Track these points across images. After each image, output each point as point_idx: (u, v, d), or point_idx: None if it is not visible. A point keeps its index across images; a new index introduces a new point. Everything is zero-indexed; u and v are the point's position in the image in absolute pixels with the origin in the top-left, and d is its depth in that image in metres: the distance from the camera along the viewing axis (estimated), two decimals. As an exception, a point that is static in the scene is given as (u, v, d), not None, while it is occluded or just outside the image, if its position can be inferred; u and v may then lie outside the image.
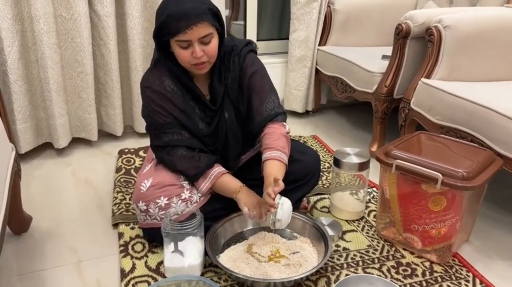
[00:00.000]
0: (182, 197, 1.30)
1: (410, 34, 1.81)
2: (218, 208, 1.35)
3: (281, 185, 1.18)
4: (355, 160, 1.50)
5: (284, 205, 1.21)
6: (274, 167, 1.23)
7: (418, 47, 1.85)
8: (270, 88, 1.36)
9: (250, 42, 1.37)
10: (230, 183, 1.32)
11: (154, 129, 1.32)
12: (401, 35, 1.82)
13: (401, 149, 1.36)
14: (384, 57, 2.04)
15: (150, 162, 1.39)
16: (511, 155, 1.35)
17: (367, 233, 1.48)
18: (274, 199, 1.18)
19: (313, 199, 1.68)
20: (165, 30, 1.17)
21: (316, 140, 2.23)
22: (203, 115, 1.34)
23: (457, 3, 2.15)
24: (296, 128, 2.43)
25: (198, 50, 1.18)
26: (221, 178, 1.31)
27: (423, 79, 1.72)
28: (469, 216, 1.37)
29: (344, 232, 1.48)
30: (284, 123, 1.35)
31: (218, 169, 1.32)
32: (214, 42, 1.22)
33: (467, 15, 1.73)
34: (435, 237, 1.32)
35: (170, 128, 1.29)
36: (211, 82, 1.33)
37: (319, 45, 2.43)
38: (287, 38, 2.47)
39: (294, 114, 2.58)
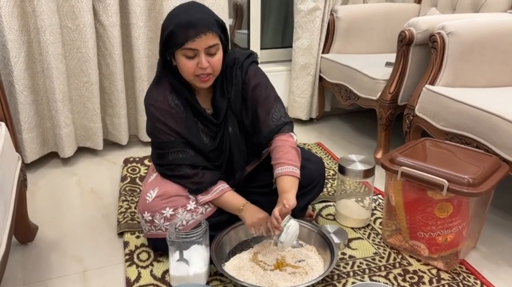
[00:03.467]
0: (188, 208, 1.30)
1: (414, 41, 1.81)
2: (224, 220, 1.35)
3: (291, 206, 1.19)
4: (360, 167, 1.49)
5: (290, 229, 1.21)
6: (288, 183, 1.23)
7: (421, 53, 1.85)
8: (275, 98, 1.35)
9: (251, 54, 1.37)
10: (234, 200, 1.32)
11: (159, 148, 1.33)
12: (405, 42, 1.82)
13: (406, 155, 1.36)
14: (387, 64, 2.04)
15: (155, 171, 1.39)
16: (517, 161, 1.35)
17: (373, 240, 1.48)
18: (280, 221, 1.19)
19: (318, 206, 1.67)
20: (173, 40, 1.18)
21: (320, 147, 2.23)
22: (207, 130, 1.34)
23: (460, 9, 2.15)
24: (301, 136, 2.43)
25: (204, 60, 1.19)
26: (224, 195, 1.31)
27: (427, 86, 1.72)
28: (476, 223, 1.36)
29: (350, 240, 1.47)
30: (292, 134, 1.34)
31: (221, 186, 1.32)
32: (219, 55, 1.23)
33: (470, 22, 1.73)
34: (442, 244, 1.31)
35: (174, 147, 1.30)
36: (213, 97, 1.33)
37: (323, 52, 2.43)
38: (291, 46, 2.48)
39: (298, 121, 2.58)
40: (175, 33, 1.17)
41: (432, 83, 1.72)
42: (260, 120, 1.33)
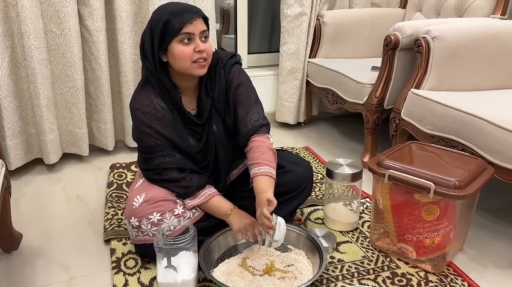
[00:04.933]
0: (175, 213, 1.29)
1: (399, 46, 1.83)
2: (212, 225, 1.34)
3: (275, 203, 1.19)
4: (348, 170, 1.50)
5: (281, 225, 1.21)
6: (265, 183, 1.23)
7: (407, 58, 1.87)
8: (255, 99, 1.37)
9: (234, 55, 1.39)
10: (221, 205, 1.32)
11: (145, 153, 1.32)
12: (390, 46, 1.84)
13: (393, 159, 1.37)
14: (373, 68, 2.06)
15: (141, 177, 1.38)
16: (502, 163, 1.37)
17: (361, 244, 1.48)
18: (272, 219, 1.19)
19: (306, 210, 1.67)
20: (169, 29, 1.20)
21: (308, 152, 2.24)
22: (192, 132, 1.34)
23: (444, 14, 2.19)
24: (288, 140, 2.43)
25: (201, 43, 1.22)
26: (211, 199, 1.31)
27: (412, 90, 1.74)
28: (463, 225, 1.38)
29: (339, 244, 1.47)
30: (268, 135, 1.35)
31: (209, 190, 1.32)
32: (210, 42, 1.27)
33: (455, 26, 1.75)
34: (429, 246, 1.32)
35: (161, 151, 1.29)
36: (198, 96, 1.34)
37: (310, 57, 2.45)
38: (278, 51, 2.49)
39: (286, 125, 2.59)
40: (170, 21, 1.20)
41: (418, 87, 1.74)
42: (239, 120, 1.34)
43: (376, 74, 1.97)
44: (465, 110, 1.49)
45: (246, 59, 2.66)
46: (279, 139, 2.40)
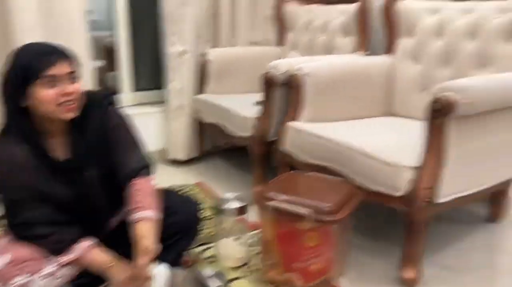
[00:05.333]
0: (45, 273, 1.17)
1: (276, 82, 1.94)
2: (90, 282, 1.24)
3: (153, 251, 1.14)
4: (235, 204, 1.52)
5: (161, 274, 1.17)
6: (145, 229, 1.19)
7: (285, 92, 1.98)
8: (135, 140, 1.33)
9: (108, 94, 1.34)
10: (99, 258, 1.22)
11: (10, 208, 1.20)
12: (268, 83, 1.95)
13: (275, 190, 1.41)
14: (257, 103, 2.15)
15: (7, 234, 1.24)
16: (373, 187, 1.48)
17: (253, 277, 1.49)
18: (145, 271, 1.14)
19: (198, 250, 1.64)
20: (30, 72, 1.11)
21: (200, 188, 2.22)
22: (64, 179, 1.24)
23: (316, 52, 2.38)
24: (180, 176, 2.40)
25: (68, 85, 1.15)
26: (88, 253, 1.21)
27: (289, 123, 1.84)
28: (342, 248, 1.46)
29: (231, 280, 1.46)
30: (151, 177, 1.31)
31: (84, 243, 1.22)
32: (79, 83, 1.20)
33: (324, 63, 1.92)
34: (314, 272, 1.37)
35: (28, 204, 1.18)
36: (71, 140, 1.26)
37: (197, 94, 2.48)
38: (165, 88, 2.48)
39: (178, 162, 2.56)
40: (32, 64, 1.12)
41: (295, 119, 1.85)
42: (118, 162, 1.29)
43: (259, 108, 2.05)
44: (337, 140, 1.61)
45: (132, 96, 2.60)
46: (170, 176, 2.36)
